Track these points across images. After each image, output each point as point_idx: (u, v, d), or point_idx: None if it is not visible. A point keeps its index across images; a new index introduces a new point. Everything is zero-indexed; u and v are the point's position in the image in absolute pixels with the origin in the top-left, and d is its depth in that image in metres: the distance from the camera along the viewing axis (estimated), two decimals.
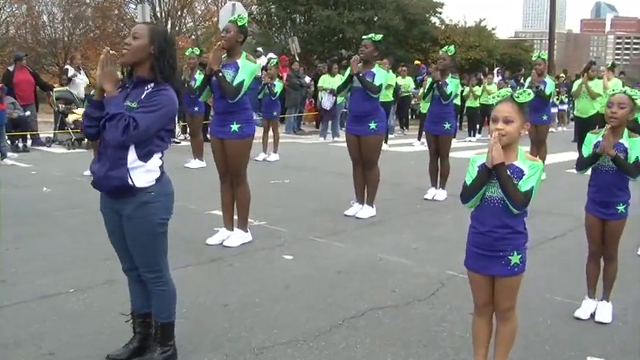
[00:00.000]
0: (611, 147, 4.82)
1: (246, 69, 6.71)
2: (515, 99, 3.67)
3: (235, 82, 6.63)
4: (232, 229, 7.10)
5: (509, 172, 3.60)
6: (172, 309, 4.22)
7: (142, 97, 3.84)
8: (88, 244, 6.90)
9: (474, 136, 20.30)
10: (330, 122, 18.92)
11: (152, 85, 3.88)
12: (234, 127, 6.78)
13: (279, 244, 7.09)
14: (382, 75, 8.15)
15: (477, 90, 20.36)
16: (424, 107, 13.97)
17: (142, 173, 3.87)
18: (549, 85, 11.68)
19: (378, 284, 5.84)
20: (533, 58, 12.68)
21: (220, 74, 6.59)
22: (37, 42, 37.03)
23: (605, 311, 5.20)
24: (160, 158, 3.97)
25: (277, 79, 14.19)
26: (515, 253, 3.70)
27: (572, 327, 5.06)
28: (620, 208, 5.04)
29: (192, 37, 37.18)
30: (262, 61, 20.66)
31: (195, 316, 5.00)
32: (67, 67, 16.54)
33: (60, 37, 38.63)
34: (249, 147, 7.07)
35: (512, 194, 3.56)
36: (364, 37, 8.41)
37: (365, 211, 8.38)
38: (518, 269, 3.73)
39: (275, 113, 14.06)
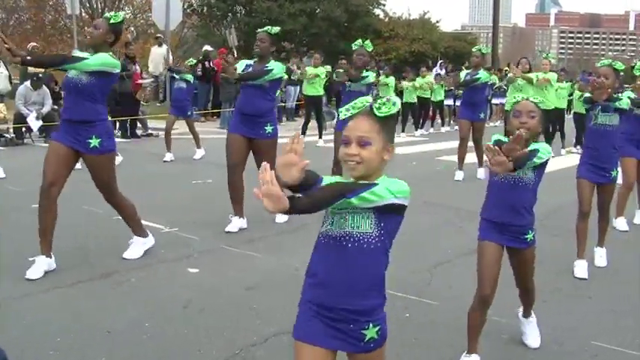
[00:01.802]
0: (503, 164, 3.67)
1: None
2: (376, 111, 2.67)
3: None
4: (50, 256, 5.88)
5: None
6: None
7: None
8: None
9: (417, 130, 19.80)
10: None
11: None
12: (94, 142, 5.81)
13: (187, 255, 6.40)
14: (276, 66, 7.39)
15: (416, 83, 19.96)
16: None
17: None
18: (483, 77, 11.16)
19: (290, 302, 5.11)
20: (473, 50, 12.25)
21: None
22: None
23: (532, 332, 4.61)
24: None
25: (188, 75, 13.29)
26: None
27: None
28: (529, 236, 4.17)
29: (131, 28, 36.11)
30: (163, 50, 19.82)
31: (68, 347, 4.30)
32: None
33: None
34: (113, 161, 6.18)
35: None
36: (259, 30, 7.59)
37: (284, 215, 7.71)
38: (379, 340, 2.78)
39: (189, 113, 13.24)
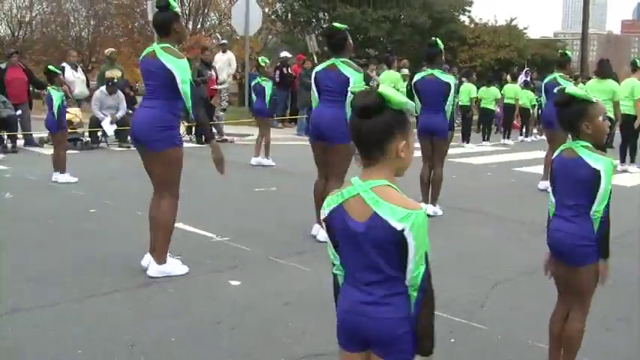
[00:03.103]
0: None
1: None
2: None
3: None
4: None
5: None
6: None
7: None
8: (16, 260, 6.11)
9: (488, 139, 19.00)
10: None
11: None
12: None
13: (232, 266, 6.16)
14: None
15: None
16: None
17: None
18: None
19: (328, 320, 4.84)
20: (570, 56, 11.33)
21: None
22: (64, 40, 36.84)
23: None
24: None
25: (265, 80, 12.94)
26: None
27: None
28: None
29: (217, 33, 36.49)
30: (227, 57, 19.69)
31: None
32: (63, 64, 15.80)
33: (85, 36, 38.43)
34: None
35: None
36: None
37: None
38: None
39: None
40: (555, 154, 3.85)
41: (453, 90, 8.30)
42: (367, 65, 22.55)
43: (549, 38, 46.33)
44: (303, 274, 6.04)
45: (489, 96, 18.81)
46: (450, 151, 15.29)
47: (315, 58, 23.11)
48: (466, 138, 18.07)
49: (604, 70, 12.50)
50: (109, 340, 4.43)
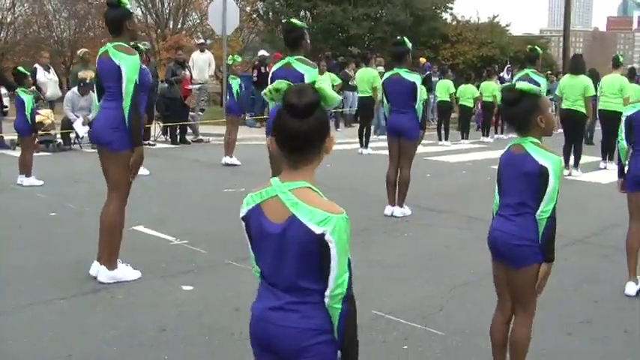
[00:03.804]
0: None
1: None
2: None
3: None
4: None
5: None
6: None
7: None
8: None
9: (467, 137, 18.81)
10: None
11: None
12: None
13: (187, 270, 5.98)
14: None
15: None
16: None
17: None
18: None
19: None
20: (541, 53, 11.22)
21: None
22: (46, 41, 36.51)
23: None
24: None
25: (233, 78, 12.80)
26: None
27: None
28: None
29: (199, 33, 36.24)
30: (206, 56, 19.38)
31: None
32: (35, 65, 15.57)
33: (66, 37, 38.11)
34: None
35: None
36: None
37: None
38: None
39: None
40: (504, 150, 3.72)
41: (419, 89, 8.14)
42: (346, 64, 22.42)
43: (532, 35, 46.38)
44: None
45: (467, 94, 18.65)
46: (427, 149, 15.22)
47: None
48: (444, 136, 17.94)
49: (577, 66, 12.38)
50: (46, 350, 4.27)
